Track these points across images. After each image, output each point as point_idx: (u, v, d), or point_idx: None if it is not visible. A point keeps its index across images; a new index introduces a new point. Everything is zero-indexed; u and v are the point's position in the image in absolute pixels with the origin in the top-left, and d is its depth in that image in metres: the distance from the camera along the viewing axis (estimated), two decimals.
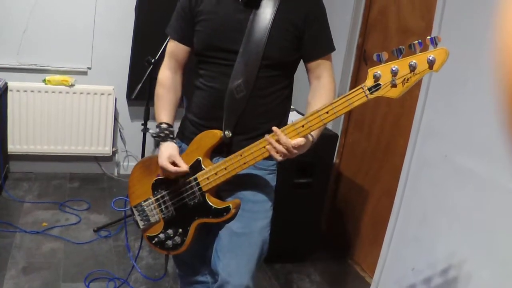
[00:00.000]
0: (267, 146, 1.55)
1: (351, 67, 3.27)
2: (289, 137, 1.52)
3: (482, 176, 2.08)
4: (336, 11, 3.21)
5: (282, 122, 1.74)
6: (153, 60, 2.88)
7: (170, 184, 1.76)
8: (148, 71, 2.91)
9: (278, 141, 1.52)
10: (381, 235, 2.77)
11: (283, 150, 1.52)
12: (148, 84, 2.92)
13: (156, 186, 1.79)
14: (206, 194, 1.70)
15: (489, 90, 1.89)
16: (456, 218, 2.22)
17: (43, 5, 3.55)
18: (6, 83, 3.54)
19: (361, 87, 1.44)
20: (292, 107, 2.01)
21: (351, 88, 3.22)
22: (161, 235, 1.80)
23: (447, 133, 2.32)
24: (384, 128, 2.99)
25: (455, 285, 2.19)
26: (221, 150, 1.70)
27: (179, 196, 1.74)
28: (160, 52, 2.85)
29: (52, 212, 3.36)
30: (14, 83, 3.60)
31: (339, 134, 3.25)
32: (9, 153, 3.71)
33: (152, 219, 1.81)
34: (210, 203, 1.70)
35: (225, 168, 1.64)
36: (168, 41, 1.86)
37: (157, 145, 1.74)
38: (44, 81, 3.68)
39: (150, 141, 3.17)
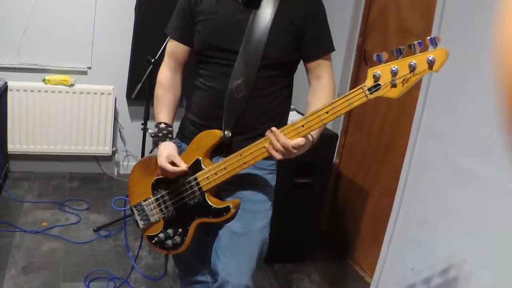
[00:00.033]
0: (266, 145, 1.55)
1: (351, 67, 3.27)
2: (289, 137, 1.52)
3: (482, 176, 2.08)
4: (336, 11, 3.21)
5: (282, 122, 1.74)
6: (153, 60, 2.88)
7: (170, 184, 1.75)
8: (148, 71, 2.91)
9: (277, 141, 1.52)
10: (381, 235, 2.77)
11: (282, 150, 1.52)
12: (148, 84, 2.91)
13: (156, 186, 1.79)
14: (206, 194, 1.70)
15: (489, 90, 1.89)
16: (456, 218, 2.22)
17: (43, 5, 3.56)
18: (6, 83, 3.54)
19: (361, 87, 1.44)
20: (292, 107, 2.01)
21: (351, 88, 3.22)
22: (161, 235, 1.80)
23: (447, 133, 2.32)
24: (384, 128, 2.99)
25: (455, 286, 2.19)
26: (221, 150, 1.70)
27: (179, 196, 1.74)
28: (160, 52, 2.84)
29: (52, 211, 3.36)
30: (14, 82, 3.60)
31: (339, 134, 3.25)
32: (9, 152, 3.71)
33: (152, 219, 1.81)
34: (210, 203, 1.70)
35: (225, 168, 1.64)
36: (168, 41, 1.86)
37: (155, 145, 1.74)
38: (44, 80, 3.68)
39: (150, 140, 3.15)
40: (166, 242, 1.80)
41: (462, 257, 2.16)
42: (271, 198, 1.78)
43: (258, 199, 1.75)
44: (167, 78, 1.79)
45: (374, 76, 1.41)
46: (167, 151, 1.69)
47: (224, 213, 1.69)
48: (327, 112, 1.48)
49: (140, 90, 3.00)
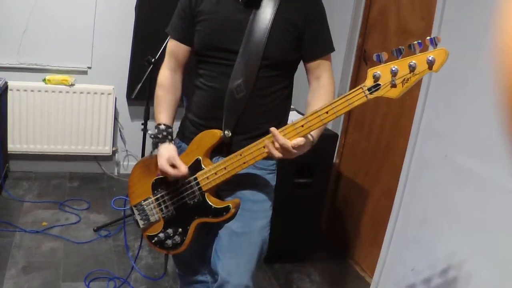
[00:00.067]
0: (266, 142, 1.54)
1: (351, 67, 3.27)
2: (289, 137, 1.52)
3: (482, 176, 2.08)
4: (336, 11, 3.21)
5: (282, 122, 1.74)
6: (153, 60, 2.88)
7: (170, 184, 1.76)
8: (148, 71, 2.91)
9: (276, 141, 1.52)
10: (381, 235, 2.77)
11: (281, 149, 1.52)
12: (148, 84, 2.92)
13: (156, 186, 1.79)
14: (206, 194, 1.70)
15: (489, 90, 1.89)
16: (456, 218, 2.22)
17: (43, 5, 3.56)
18: (6, 83, 3.54)
19: (361, 87, 1.44)
20: (292, 107, 2.01)
21: (351, 88, 3.22)
22: (161, 235, 1.80)
23: (447, 133, 2.32)
24: (384, 128, 2.99)
25: (455, 286, 2.19)
26: (221, 150, 1.70)
27: (179, 196, 1.74)
28: (160, 52, 2.85)
29: (52, 211, 3.36)
30: (14, 82, 3.60)
31: (339, 134, 3.25)
32: (9, 152, 3.71)
33: (152, 219, 1.81)
34: (210, 203, 1.70)
35: (225, 168, 1.64)
36: (168, 41, 1.86)
37: (155, 146, 1.73)
38: (44, 80, 3.68)
39: (150, 140, 3.16)
40: (166, 242, 1.80)
41: (462, 257, 2.16)
42: (271, 198, 1.78)
43: (258, 199, 1.75)
44: (167, 79, 1.79)
45: (374, 76, 1.41)
46: (167, 153, 1.69)
47: (224, 213, 1.69)
48: (327, 112, 1.48)
49: (140, 90, 3.00)
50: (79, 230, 3.17)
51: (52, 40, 3.65)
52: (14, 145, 3.71)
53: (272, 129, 1.52)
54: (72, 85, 3.72)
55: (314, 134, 1.59)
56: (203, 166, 1.69)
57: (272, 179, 1.79)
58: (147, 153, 3.17)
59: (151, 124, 3.11)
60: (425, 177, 2.46)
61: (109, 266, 2.82)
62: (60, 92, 3.71)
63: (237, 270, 1.71)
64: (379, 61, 1.39)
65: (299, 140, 1.51)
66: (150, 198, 1.81)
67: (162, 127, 1.73)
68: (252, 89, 1.64)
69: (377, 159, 3.04)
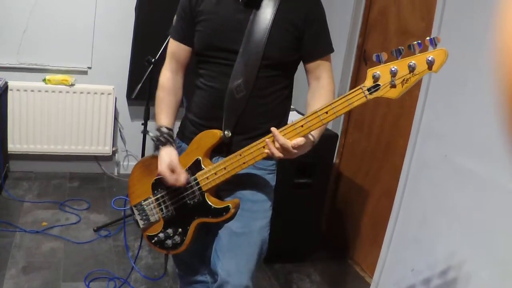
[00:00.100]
0: (267, 140, 1.54)
1: (351, 67, 3.27)
2: (289, 137, 1.52)
3: (482, 177, 2.08)
4: (336, 11, 3.21)
5: (282, 122, 1.74)
6: (153, 60, 2.88)
7: (170, 184, 1.75)
8: (148, 71, 2.91)
9: (276, 141, 1.52)
10: (381, 235, 2.78)
11: (281, 149, 1.52)
12: (148, 84, 2.92)
13: (156, 186, 1.79)
14: (205, 194, 1.70)
15: (489, 90, 1.89)
16: (456, 219, 2.22)
17: (43, 5, 3.56)
18: (6, 83, 3.54)
19: (360, 88, 1.44)
20: (292, 107, 2.01)
21: (351, 88, 3.22)
22: (161, 235, 1.80)
23: (447, 134, 2.32)
24: (384, 128, 2.99)
25: (454, 286, 2.19)
26: (221, 150, 1.70)
27: (179, 196, 1.74)
28: (160, 52, 2.85)
29: (52, 211, 3.36)
30: (14, 82, 3.60)
31: (339, 134, 3.25)
32: (9, 152, 3.71)
33: (152, 219, 1.81)
34: (210, 203, 1.70)
35: (225, 168, 1.64)
36: (168, 41, 1.86)
37: (156, 148, 1.73)
38: (44, 80, 3.68)
39: (150, 141, 3.16)
40: (166, 242, 1.80)
41: (462, 257, 2.16)
42: (270, 198, 1.78)
43: (258, 199, 1.75)
44: (168, 80, 1.79)
45: (374, 77, 1.41)
46: (169, 157, 1.69)
47: (224, 213, 1.69)
48: (326, 112, 1.48)
49: (140, 90, 3.00)
50: (79, 230, 3.17)
51: (52, 40, 3.65)
52: (14, 145, 3.71)
53: (273, 129, 1.53)
54: (72, 85, 3.72)
55: (315, 134, 1.59)
56: (203, 166, 1.69)
57: (272, 179, 1.79)
58: (147, 153, 3.18)
59: (151, 124, 3.11)
60: (425, 177, 2.46)
61: (109, 266, 2.82)
62: (60, 92, 3.71)
63: (236, 270, 1.71)
64: (379, 62, 1.39)
65: (299, 140, 1.51)
66: (150, 198, 1.81)
67: (164, 130, 1.73)
68: (252, 89, 1.64)
69: (377, 159, 3.04)
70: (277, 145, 1.52)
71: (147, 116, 3.04)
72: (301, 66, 1.76)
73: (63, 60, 3.74)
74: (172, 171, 1.67)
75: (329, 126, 2.88)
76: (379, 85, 1.41)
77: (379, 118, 3.03)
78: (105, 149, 3.95)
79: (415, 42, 1.33)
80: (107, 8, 3.71)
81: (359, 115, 3.22)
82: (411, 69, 1.37)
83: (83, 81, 3.80)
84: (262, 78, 1.65)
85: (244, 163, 1.60)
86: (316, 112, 1.49)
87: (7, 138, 3.65)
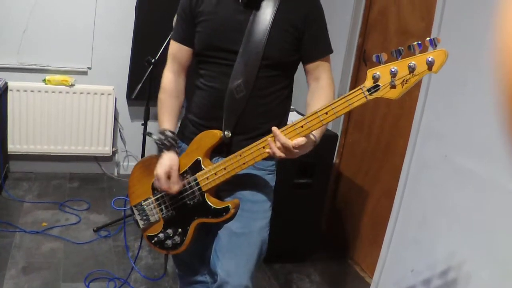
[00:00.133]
0: (269, 139, 1.54)
1: (351, 67, 3.27)
2: (289, 137, 1.52)
3: (482, 177, 2.08)
4: (336, 11, 3.21)
5: (282, 122, 1.74)
6: (153, 60, 2.88)
7: None
8: (148, 71, 2.91)
9: (277, 141, 1.52)
10: (380, 236, 2.78)
11: (282, 149, 1.52)
12: (148, 84, 2.92)
13: (156, 186, 1.79)
14: (205, 194, 1.70)
15: (489, 90, 1.89)
16: (456, 219, 2.22)
17: (43, 5, 3.56)
18: (6, 83, 3.54)
19: (360, 88, 1.44)
20: (292, 107, 2.01)
21: (351, 88, 3.23)
22: (161, 235, 1.80)
23: (447, 134, 2.32)
24: (384, 129, 2.99)
25: (454, 286, 2.19)
26: (221, 150, 1.70)
27: (179, 196, 1.74)
28: (160, 52, 2.85)
29: (52, 212, 3.36)
30: (14, 83, 3.60)
31: (339, 134, 3.26)
32: (9, 153, 3.71)
33: (152, 219, 1.81)
34: (210, 203, 1.70)
35: (225, 168, 1.64)
36: (168, 41, 1.86)
37: (160, 151, 1.73)
38: (44, 81, 3.68)
39: (150, 141, 3.16)
40: (166, 242, 1.80)
41: (462, 257, 2.16)
42: (270, 199, 1.78)
43: (258, 199, 1.75)
44: (170, 82, 1.79)
45: (374, 77, 1.41)
46: (169, 163, 1.69)
47: (224, 213, 1.69)
48: (326, 113, 1.48)
49: (140, 91, 3.00)
50: (79, 231, 3.17)
51: (52, 40, 3.65)
52: (14, 146, 3.71)
53: (274, 128, 1.53)
54: (72, 85, 3.72)
55: (316, 134, 1.58)
56: (203, 166, 1.69)
57: (271, 179, 1.79)
58: (147, 153, 3.18)
59: (151, 125, 3.12)
60: (425, 177, 2.46)
61: (109, 266, 2.82)
62: (60, 92, 3.71)
63: (236, 270, 1.71)
64: (379, 62, 1.39)
65: (300, 140, 1.50)
66: (150, 198, 1.81)
67: (169, 133, 1.73)
68: (252, 89, 1.64)
69: (377, 160, 3.04)
70: (278, 144, 1.52)
71: (147, 116, 3.04)
72: (300, 66, 1.76)
73: (63, 60, 3.74)
74: (169, 177, 1.68)
75: (329, 127, 2.88)
76: (379, 85, 1.41)
77: (379, 118, 3.03)
78: (105, 149, 3.95)
79: (415, 43, 1.34)
80: (107, 8, 3.71)
81: (359, 116, 3.22)
82: (411, 69, 1.36)
83: (83, 82, 3.80)
84: (262, 78, 1.65)
85: (244, 163, 1.60)
86: (316, 112, 1.49)
87: (7, 138, 3.65)
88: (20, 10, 3.52)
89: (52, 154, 3.84)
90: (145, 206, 1.82)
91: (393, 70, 1.38)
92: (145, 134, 3.03)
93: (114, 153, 4.08)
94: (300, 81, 1.84)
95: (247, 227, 1.72)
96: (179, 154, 1.74)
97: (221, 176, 1.65)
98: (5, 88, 3.54)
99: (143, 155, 3.19)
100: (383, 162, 2.98)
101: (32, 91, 3.64)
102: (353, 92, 1.45)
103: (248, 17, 1.63)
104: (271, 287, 2.85)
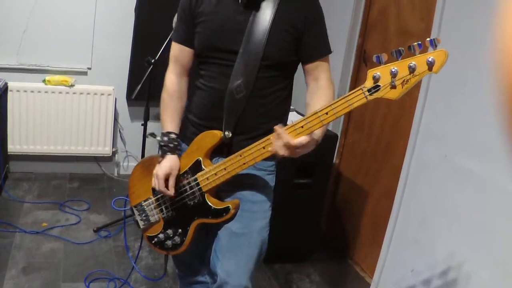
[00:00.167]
0: (272, 139, 1.54)
1: (351, 68, 3.27)
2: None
3: (482, 177, 2.08)
4: (336, 11, 3.21)
5: (282, 122, 1.73)
6: (153, 61, 2.88)
7: None
8: (148, 72, 2.91)
9: (280, 139, 1.51)
10: (380, 236, 2.78)
11: (286, 148, 1.51)
12: (148, 85, 2.92)
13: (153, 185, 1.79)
14: (205, 195, 1.70)
15: (488, 90, 1.89)
16: (456, 219, 2.22)
17: (43, 5, 3.56)
18: (6, 83, 3.54)
19: (361, 88, 1.44)
20: (292, 107, 2.01)
21: (350, 88, 3.23)
22: (161, 235, 1.80)
23: (446, 134, 2.32)
24: (383, 129, 2.99)
25: (454, 286, 2.19)
26: (221, 150, 1.71)
27: (179, 196, 1.74)
28: (160, 52, 2.85)
29: (52, 212, 3.36)
30: (14, 83, 3.60)
31: (339, 135, 3.26)
32: (9, 153, 3.71)
33: (152, 219, 1.81)
34: (210, 204, 1.70)
35: (225, 169, 1.64)
36: (168, 41, 1.86)
37: (164, 153, 1.73)
38: (44, 81, 3.68)
39: (150, 141, 3.17)
40: (166, 242, 1.80)
41: (462, 257, 2.16)
42: (270, 199, 1.78)
43: (258, 199, 1.75)
44: (173, 84, 1.79)
45: (374, 77, 1.41)
46: (170, 165, 1.70)
47: (224, 214, 1.69)
48: (326, 113, 1.48)
49: (140, 91, 3.00)
50: (79, 231, 3.17)
51: (52, 41, 3.65)
52: (14, 146, 3.71)
53: (277, 127, 1.52)
54: (72, 86, 3.72)
55: (318, 133, 1.58)
56: (203, 166, 1.69)
57: (271, 179, 1.79)
58: (147, 154, 3.18)
59: (150, 125, 3.12)
60: (424, 177, 2.46)
61: (109, 266, 2.82)
62: (60, 93, 3.71)
63: (236, 270, 1.71)
64: (379, 62, 1.39)
65: (303, 139, 1.50)
66: (150, 198, 1.81)
67: (173, 136, 1.74)
68: (252, 89, 1.64)
69: (377, 160, 3.04)
70: (281, 143, 1.51)
71: (147, 116, 3.04)
72: (300, 66, 1.76)
73: (63, 60, 3.74)
74: (167, 180, 1.68)
75: (329, 127, 2.88)
76: (379, 86, 1.42)
77: (379, 118, 3.03)
78: (105, 149, 3.95)
79: (415, 43, 1.34)
80: (107, 8, 3.71)
81: (359, 116, 3.23)
82: (411, 70, 1.37)
83: (83, 82, 3.80)
84: (262, 79, 1.65)
85: (244, 163, 1.60)
86: (317, 112, 1.49)
87: (7, 138, 3.65)
88: (20, 10, 3.52)
89: (52, 154, 3.84)
90: (145, 207, 1.82)
91: (393, 70, 1.38)
92: (148, 135, 3.03)
93: (114, 153, 4.08)
94: (300, 81, 1.84)
95: (247, 227, 1.72)
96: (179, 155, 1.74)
97: (221, 176, 1.65)
98: (5, 89, 3.54)
99: (143, 155, 3.19)
100: (383, 162, 2.98)
101: (32, 91, 3.64)
102: (353, 93, 1.45)
103: (248, 18, 1.63)
104: (271, 287, 2.85)
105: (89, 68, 3.83)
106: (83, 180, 3.94)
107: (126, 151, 4.14)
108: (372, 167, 3.09)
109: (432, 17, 2.43)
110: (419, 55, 1.36)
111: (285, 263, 3.05)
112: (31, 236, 3.02)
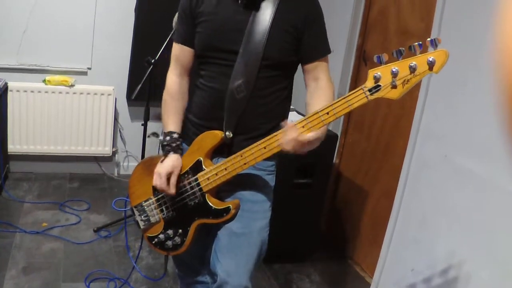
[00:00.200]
0: (280, 134, 1.53)
1: (351, 68, 3.27)
2: None
3: (482, 177, 2.08)
4: (336, 11, 3.21)
5: (282, 122, 1.74)
6: (153, 61, 2.87)
7: None
8: (148, 72, 2.91)
9: (289, 134, 1.51)
10: (380, 236, 2.78)
11: (293, 143, 1.51)
12: (148, 85, 2.91)
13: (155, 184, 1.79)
14: (206, 195, 1.70)
15: (488, 90, 1.89)
16: (456, 219, 2.22)
17: (43, 5, 3.56)
18: (6, 83, 3.54)
19: (361, 88, 1.44)
20: (292, 107, 2.01)
21: (351, 88, 3.23)
22: (161, 236, 1.80)
23: (446, 134, 2.32)
24: (384, 129, 2.99)
25: (454, 286, 2.19)
26: (222, 150, 1.71)
27: (180, 197, 1.74)
28: (160, 53, 2.84)
29: (52, 212, 3.36)
30: (14, 83, 3.60)
31: (339, 135, 3.26)
32: (9, 153, 3.71)
33: (153, 219, 1.81)
34: (210, 204, 1.70)
35: (226, 169, 1.64)
36: (168, 41, 1.86)
37: (167, 152, 1.73)
38: (44, 81, 3.68)
39: (150, 141, 3.17)
40: (166, 243, 1.80)
41: (462, 257, 2.16)
42: (270, 199, 1.78)
43: (258, 199, 1.75)
44: (174, 84, 1.79)
45: (375, 77, 1.41)
46: (172, 164, 1.70)
47: (224, 214, 1.69)
48: (327, 113, 1.48)
49: (140, 91, 3.00)
50: (79, 231, 3.17)
51: (52, 41, 3.65)
52: (14, 146, 3.71)
53: (286, 122, 1.52)
54: (72, 86, 3.72)
55: (322, 130, 1.57)
56: (204, 167, 1.69)
57: (271, 179, 1.79)
58: (147, 154, 3.18)
59: (151, 125, 3.12)
60: (424, 177, 2.46)
61: (109, 266, 2.82)
62: (60, 93, 3.71)
63: (236, 270, 1.72)
64: (380, 62, 1.39)
65: (311, 135, 1.48)
66: (151, 199, 1.81)
67: (175, 136, 1.74)
68: (252, 89, 1.65)
69: (377, 160, 3.04)
70: (289, 137, 1.51)
71: (147, 116, 3.04)
72: (299, 66, 1.76)
73: (63, 60, 3.74)
74: (168, 178, 1.68)
75: (329, 127, 2.87)
76: (380, 85, 1.42)
77: (380, 119, 3.03)
78: (105, 149, 3.95)
79: (416, 43, 1.34)
80: (107, 8, 3.71)
81: (359, 116, 3.23)
82: (412, 69, 1.37)
83: (83, 82, 3.80)
84: (262, 79, 1.65)
85: (245, 163, 1.61)
86: (317, 112, 1.49)
87: (7, 138, 3.65)
88: (20, 10, 3.52)
89: (52, 154, 3.84)
90: (145, 207, 1.82)
91: (394, 70, 1.38)
92: (150, 134, 3.03)
93: (114, 153, 4.08)
94: (300, 81, 1.84)
95: (247, 227, 1.72)
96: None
97: (222, 176, 1.65)
98: (5, 89, 3.54)
99: (143, 155, 3.19)
100: (383, 162, 2.98)
101: (32, 91, 3.64)
102: (354, 92, 1.45)
103: (248, 18, 1.63)
104: (271, 287, 2.85)
105: (89, 68, 3.83)
106: (83, 180, 3.94)
107: (126, 151, 4.14)
108: (372, 167, 3.10)
109: (432, 17, 2.43)
110: (419, 55, 1.36)
111: (285, 263, 3.05)
112: (31, 236, 3.02)
